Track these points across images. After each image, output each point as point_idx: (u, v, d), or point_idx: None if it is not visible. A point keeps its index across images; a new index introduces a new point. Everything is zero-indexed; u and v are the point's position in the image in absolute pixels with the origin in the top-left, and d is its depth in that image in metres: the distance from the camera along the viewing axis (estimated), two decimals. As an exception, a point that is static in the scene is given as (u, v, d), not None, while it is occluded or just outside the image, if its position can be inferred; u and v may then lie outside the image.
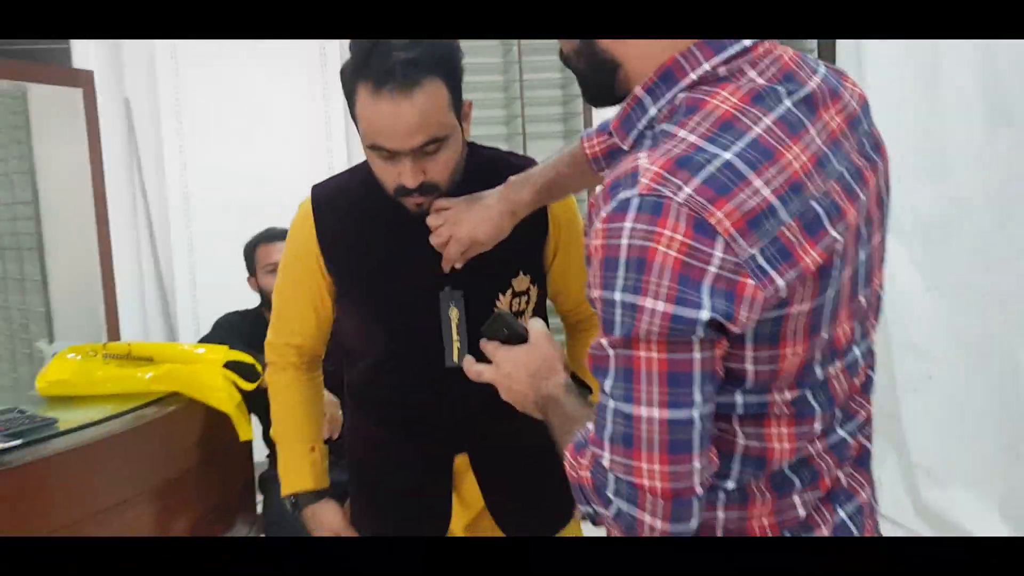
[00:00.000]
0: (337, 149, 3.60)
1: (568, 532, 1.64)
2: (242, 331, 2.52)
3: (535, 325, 1.17)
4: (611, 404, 0.89)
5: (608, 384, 0.89)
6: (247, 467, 2.54)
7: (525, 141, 3.68)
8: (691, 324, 0.83)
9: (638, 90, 0.96)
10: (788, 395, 0.93)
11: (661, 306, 0.83)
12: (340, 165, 3.61)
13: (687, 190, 0.84)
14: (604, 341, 0.89)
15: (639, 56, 0.96)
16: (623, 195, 0.86)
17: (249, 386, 2.22)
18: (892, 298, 3.35)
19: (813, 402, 0.94)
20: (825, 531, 0.97)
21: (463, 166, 1.41)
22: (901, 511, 3.43)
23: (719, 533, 0.96)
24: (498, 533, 1.52)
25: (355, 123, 1.36)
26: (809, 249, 0.87)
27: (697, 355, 0.85)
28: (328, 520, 1.58)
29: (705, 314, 0.83)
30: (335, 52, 3.57)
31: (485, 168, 1.46)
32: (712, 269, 0.83)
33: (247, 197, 3.52)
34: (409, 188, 1.33)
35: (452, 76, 1.31)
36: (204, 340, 2.57)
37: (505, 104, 3.88)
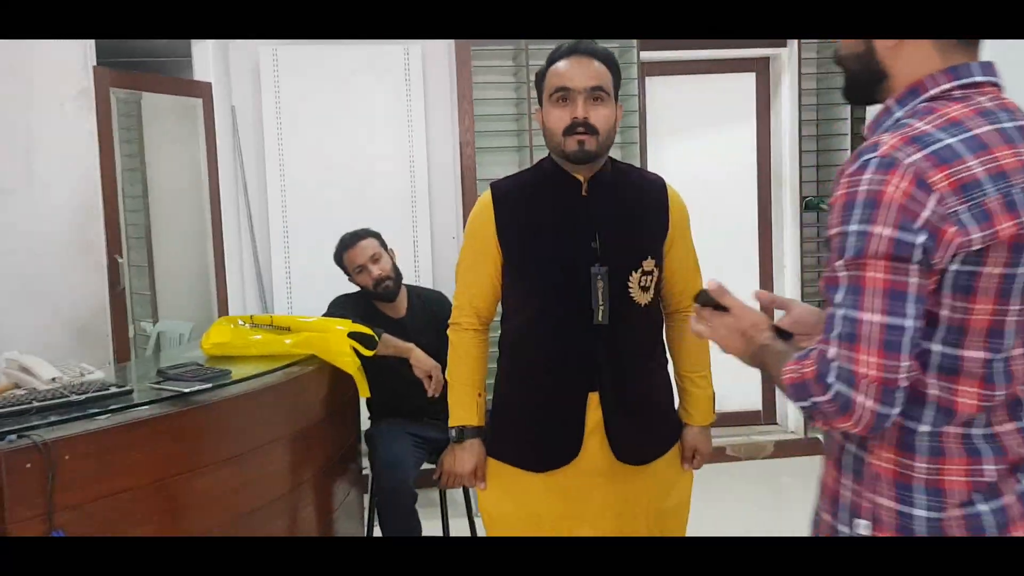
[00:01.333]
0: (418, 149, 4.03)
1: (669, 457, 2.06)
2: (354, 309, 2.95)
3: (735, 300, 1.37)
4: (840, 311, 1.12)
5: (839, 296, 1.12)
6: (357, 422, 2.99)
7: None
8: (909, 247, 1.07)
9: (890, 101, 1.22)
10: (976, 354, 1.13)
11: (887, 231, 1.08)
12: (421, 163, 4.04)
13: (915, 156, 1.09)
14: (837, 263, 1.13)
15: (904, 71, 1.21)
16: (865, 157, 1.12)
17: (368, 352, 2.66)
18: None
19: (998, 369, 1.14)
20: (1011, 499, 1.16)
21: (612, 141, 1.93)
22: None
23: (917, 483, 1.16)
24: (611, 458, 1.95)
25: (540, 99, 1.93)
26: (1005, 221, 1.08)
27: (913, 279, 1.08)
28: (477, 452, 2.00)
29: (920, 239, 1.07)
30: (418, 59, 4.00)
31: (623, 169, 2.03)
32: (925, 214, 1.07)
33: (337, 192, 3.98)
34: (579, 119, 1.83)
35: (614, 70, 1.92)
36: (324, 316, 3.00)
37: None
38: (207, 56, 3.80)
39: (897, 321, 1.08)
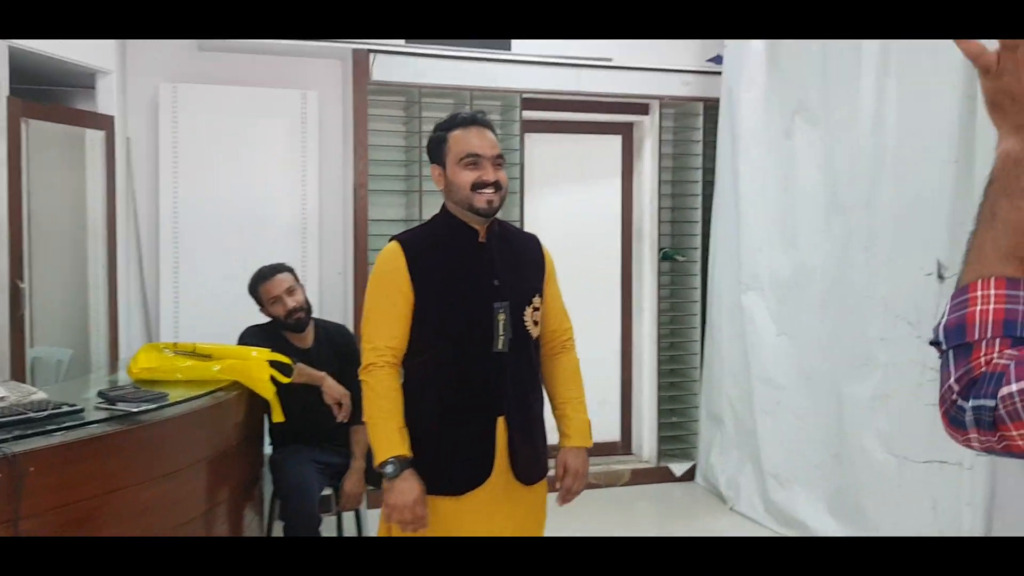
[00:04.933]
0: (311, 189, 4.23)
1: (541, 485, 2.35)
2: (265, 339, 3.13)
3: None
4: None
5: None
6: (263, 447, 3.15)
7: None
8: None
9: None
10: None
11: None
12: (313, 202, 4.24)
13: None
14: None
15: None
16: None
17: (285, 380, 2.85)
18: (752, 340, 4.28)
19: None
20: None
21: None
22: (754, 509, 4.32)
23: None
24: (512, 478, 2.22)
25: (441, 159, 2.21)
26: None
27: None
28: (415, 482, 2.13)
29: None
30: (315, 104, 4.22)
31: (503, 223, 2.35)
32: None
33: (229, 227, 4.11)
34: (489, 181, 2.14)
35: (495, 133, 2.27)
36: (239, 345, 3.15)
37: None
38: (111, 88, 3.88)
39: None
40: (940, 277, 3.30)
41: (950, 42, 2.78)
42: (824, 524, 3.88)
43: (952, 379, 0.83)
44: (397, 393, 2.21)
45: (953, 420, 0.83)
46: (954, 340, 0.84)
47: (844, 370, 3.77)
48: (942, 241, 3.26)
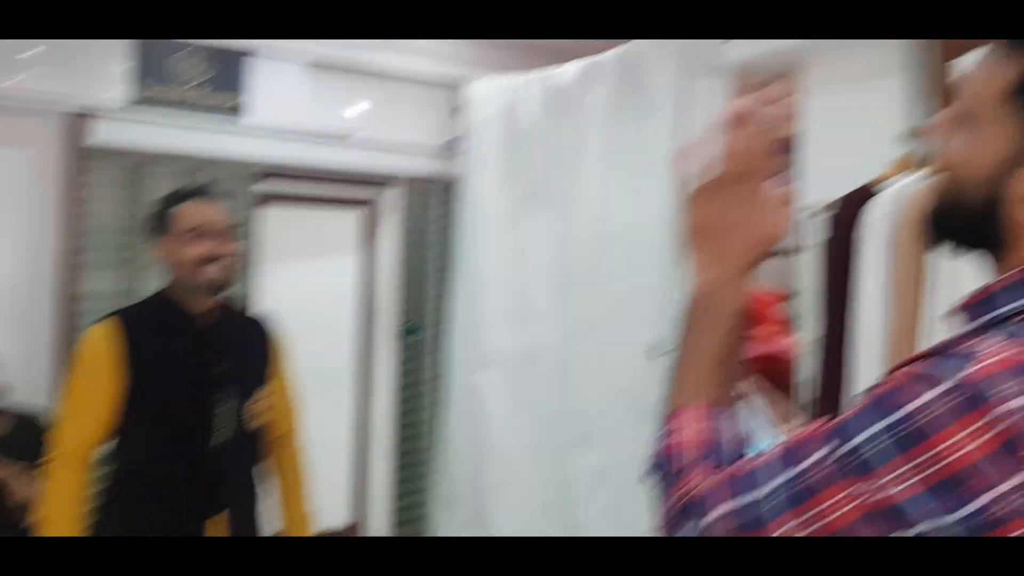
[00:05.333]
0: (11, 258, 3.84)
1: None
2: None
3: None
4: (763, 494, 0.79)
5: (780, 479, 0.79)
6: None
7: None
8: (901, 525, 0.74)
9: (995, 285, 0.83)
10: None
11: (894, 491, 0.73)
12: (14, 273, 3.84)
13: (1014, 404, 0.70)
14: (819, 452, 0.78)
15: None
16: (944, 368, 0.74)
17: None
18: (486, 417, 4.35)
19: None
20: None
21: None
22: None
23: None
24: None
25: (164, 232, 2.10)
26: None
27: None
28: None
29: (920, 528, 0.72)
30: (16, 167, 3.86)
31: (231, 305, 2.19)
32: (987, 496, 0.70)
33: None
34: (217, 255, 2.05)
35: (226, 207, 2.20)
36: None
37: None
38: None
39: None
40: (656, 356, 3.54)
41: (664, 137, 3.03)
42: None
43: (664, 510, 0.85)
44: (77, 492, 2.02)
45: (671, 524, 0.84)
46: (660, 471, 0.87)
47: (571, 445, 3.92)
48: (656, 324, 3.50)
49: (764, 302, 4.63)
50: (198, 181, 4.10)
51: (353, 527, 4.92)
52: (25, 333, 3.90)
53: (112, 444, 2.07)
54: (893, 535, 0.75)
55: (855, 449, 0.75)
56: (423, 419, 4.96)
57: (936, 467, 0.71)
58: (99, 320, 2.07)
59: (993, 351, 0.74)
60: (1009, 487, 0.70)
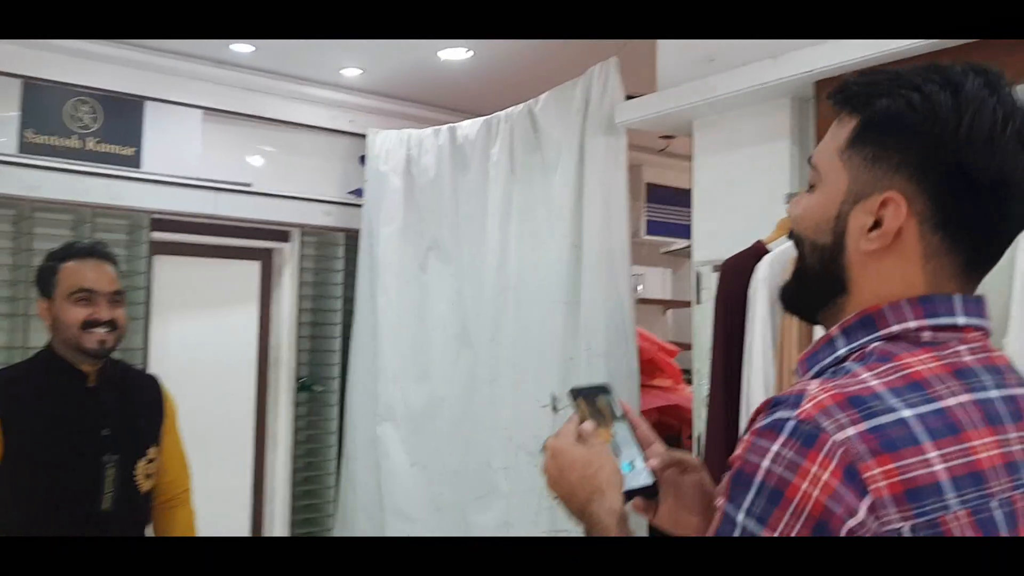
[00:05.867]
0: None
1: None
2: None
3: (596, 441, 1.07)
4: None
5: None
6: None
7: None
8: None
9: (835, 330, 0.90)
10: None
11: None
12: None
13: (849, 431, 0.76)
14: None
15: (869, 289, 0.89)
16: (780, 414, 0.80)
17: None
18: (386, 471, 4.31)
19: None
20: None
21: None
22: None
23: None
24: None
25: (49, 292, 2.02)
26: None
27: None
28: None
29: None
30: None
31: (119, 364, 2.11)
32: (849, 524, 0.75)
33: None
34: (103, 320, 1.95)
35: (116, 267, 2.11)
36: None
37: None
38: None
39: None
40: (554, 409, 3.58)
41: (561, 195, 3.09)
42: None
43: None
44: None
45: None
46: None
47: (471, 500, 3.91)
48: (555, 376, 3.55)
49: (662, 353, 4.75)
50: (89, 234, 4.00)
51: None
52: None
53: None
54: None
55: (742, 528, 0.80)
56: (323, 472, 4.87)
57: (807, 506, 0.76)
58: None
59: (821, 388, 0.81)
60: (863, 513, 0.75)
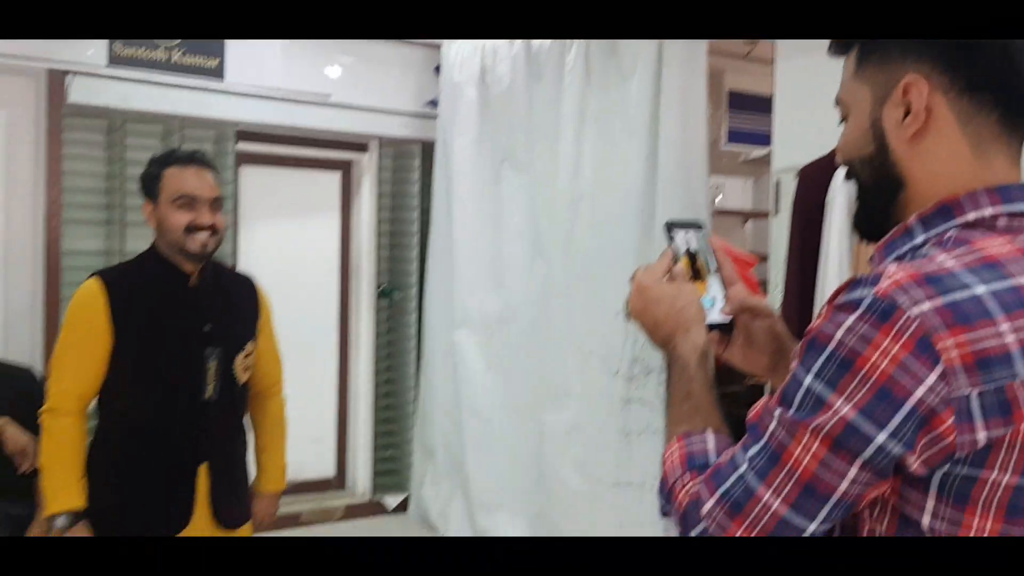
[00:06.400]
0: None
1: (245, 528, 2.33)
2: None
3: (685, 287, 1.12)
4: (743, 468, 0.88)
5: (753, 450, 0.88)
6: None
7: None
8: (865, 442, 0.81)
9: (912, 219, 0.92)
10: None
11: (846, 410, 0.82)
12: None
13: (925, 306, 0.80)
14: (777, 411, 0.88)
15: (927, 175, 0.92)
16: (860, 292, 0.84)
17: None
18: (462, 375, 4.46)
19: None
20: None
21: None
22: (463, 535, 4.48)
23: None
24: (214, 525, 2.17)
25: (154, 196, 2.13)
26: None
27: (851, 474, 0.83)
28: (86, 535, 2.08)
29: (883, 437, 0.81)
30: (2, 125, 3.88)
31: (218, 265, 2.27)
32: (917, 394, 0.79)
33: None
34: (204, 225, 2.07)
35: (216, 176, 2.21)
36: None
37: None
38: None
39: (800, 521, 0.85)
40: (627, 317, 3.64)
41: (638, 104, 3.08)
42: (527, 548, 4.11)
43: (676, 521, 0.95)
44: (78, 441, 2.11)
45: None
46: (663, 495, 0.99)
47: (544, 402, 4.04)
48: (627, 285, 3.59)
49: (741, 264, 4.73)
50: (178, 144, 4.14)
51: (333, 480, 5.04)
52: (9, 291, 3.95)
53: (104, 395, 2.15)
54: (848, 470, 0.83)
55: (808, 389, 0.85)
56: (403, 375, 5.06)
57: (874, 375, 0.81)
58: (90, 276, 2.12)
59: (899, 268, 0.85)
60: (933, 380, 0.79)
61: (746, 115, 5.63)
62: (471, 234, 4.47)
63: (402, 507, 4.97)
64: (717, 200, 5.78)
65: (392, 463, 5.06)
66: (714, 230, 3.50)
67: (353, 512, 4.85)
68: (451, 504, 4.59)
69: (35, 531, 2.93)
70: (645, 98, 3.56)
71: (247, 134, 4.46)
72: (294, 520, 4.63)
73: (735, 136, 5.67)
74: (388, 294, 4.98)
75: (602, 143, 3.80)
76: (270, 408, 2.39)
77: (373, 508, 4.90)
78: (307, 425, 4.90)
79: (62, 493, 2.08)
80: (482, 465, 4.39)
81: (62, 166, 4.01)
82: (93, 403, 2.20)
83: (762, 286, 4.58)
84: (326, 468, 5.03)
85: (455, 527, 4.53)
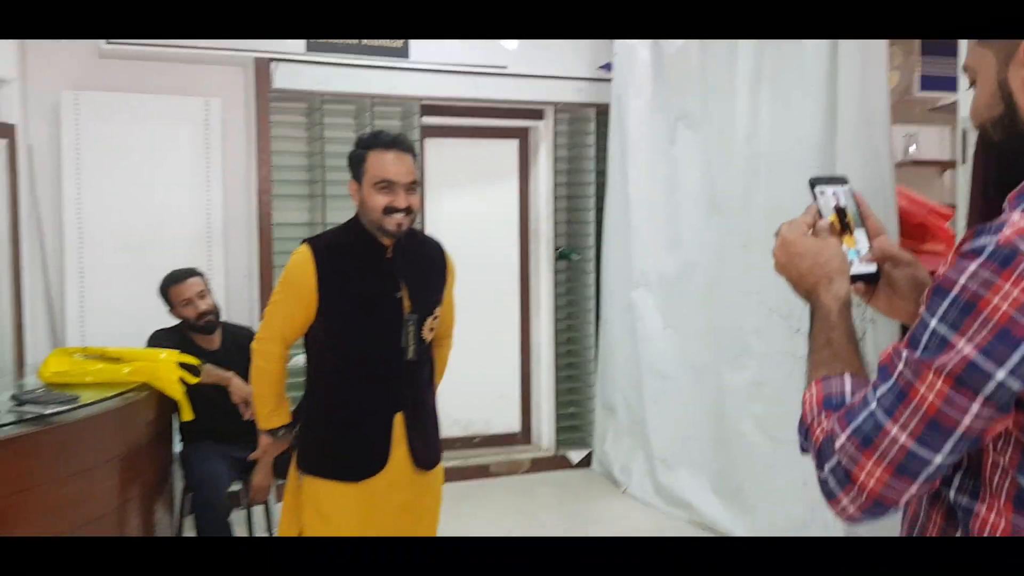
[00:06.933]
0: (215, 194, 4.32)
1: (437, 470, 2.55)
2: (173, 341, 3.23)
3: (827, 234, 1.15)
4: (873, 406, 0.93)
5: (882, 389, 0.93)
6: (172, 445, 3.26)
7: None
8: (985, 377, 0.86)
9: None
10: None
11: (968, 349, 0.87)
12: (217, 207, 4.32)
13: None
14: (904, 352, 0.93)
15: None
16: (983, 239, 0.88)
17: (194, 380, 2.97)
18: (641, 334, 4.55)
19: None
20: None
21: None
22: (645, 492, 4.60)
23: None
24: (410, 465, 2.42)
25: (358, 176, 2.33)
26: None
27: (974, 409, 0.88)
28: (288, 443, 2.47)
29: (1002, 374, 0.86)
30: (217, 111, 4.31)
31: (411, 234, 2.46)
32: None
33: (134, 232, 4.17)
34: (400, 208, 2.27)
35: (415, 159, 2.38)
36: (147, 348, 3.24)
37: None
38: (11, 97, 3.90)
39: (926, 454, 0.91)
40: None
41: (814, 58, 3.03)
42: (708, 503, 4.18)
43: (813, 456, 1.01)
44: (281, 369, 2.44)
45: (828, 495, 0.97)
46: (802, 433, 1.05)
47: (724, 360, 4.07)
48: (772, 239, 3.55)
49: (933, 216, 4.53)
50: (369, 122, 4.46)
51: (519, 435, 5.29)
52: (230, 261, 4.41)
53: (310, 351, 2.42)
54: (970, 406, 0.88)
55: (933, 332, 0.91)
56: (583, 334, 5.22)
57: (995, 317, 0.86)
58: (302, 243, 2.39)
59: (1021, 216, 0.89)
60: None
61: (940, 60, 5.33)
62: (647, 194, 4.54)
63: (585, 462, 5.16)
64: (911, 150, 5.52)
65: (575, 419, 5.25)
66: (907, 182, 3.39)
67: (539, 465, 5.08)
68: (632, 461, 4.72)
69: (260, 473, 3.32)
70: (822, 52, 3.49)
71: (430, 108, 4.72)
72: (483, 471, 4.91)
73: (928, 83, 5.38)
74: (566, 256, 5.14)
75: (778, 100, 3.76)
76: (438, 354, 2.61)
77: (558, 462, 5.12)
78: (493, 382, 5.19)
79: (276, 415, 2.44)
80: (662, 422, 4.49)
81: (270, 146, 4.41)
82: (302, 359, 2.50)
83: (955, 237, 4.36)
84: (512, 423, 5.28)
85: (637, 483, 4.66)
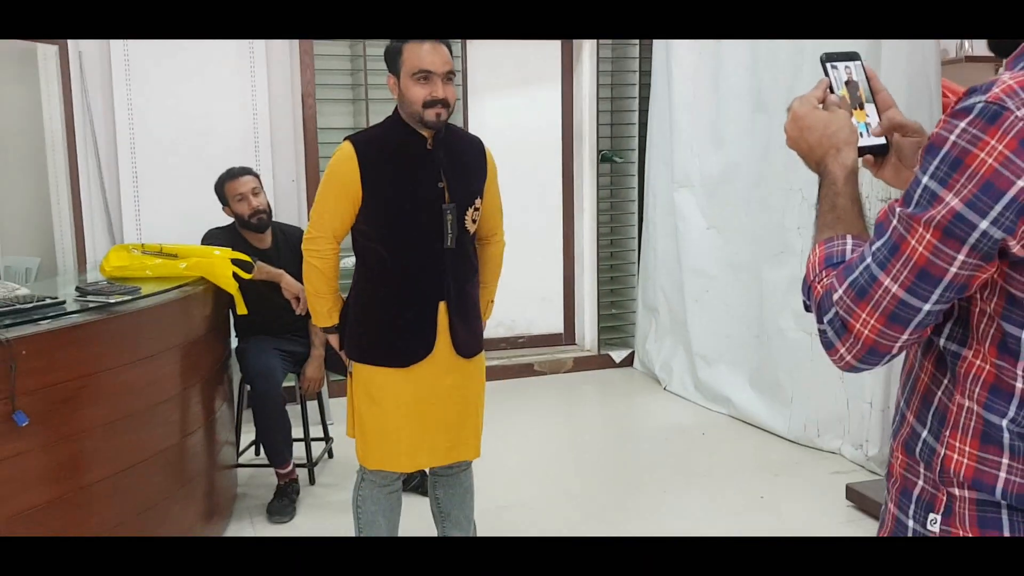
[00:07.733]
0: (260, 99, 4.39)
1: (479, 357, 2.65)
2: (227, 239, 3.35)
3: (839, 112, 1.17)
4: (868, 260, 0.99)
5: (877, 244, 0.99)
6: (229, 338, 3.41)
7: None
8: (970, 228, 0.91)
9: None
10: None
11: (954, 202, 0.91)
12: (263, 112, 4.40)
13: None
14: (898, 209, 0.98)
15: None
16: (973, 99, 0.92)
17: (247, 276, 3.10)
18: (683, 234, 4.58)
19: None
20: None
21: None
22: (685, 388, 4.71)
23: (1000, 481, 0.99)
24: (452, 351, 2.52)
25: (396, 70, 2.36)
26: None
27: (959, 258, 0.93)
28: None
29: (985, 224, 0.90)
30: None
31: (451, 128, 2.51)
32: (1019, 184, 0.89)
33: (184, 136, 4.28)
34: (438, 98, 2.32)
35: (449, 48, 2.40)
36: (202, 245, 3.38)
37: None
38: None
39: (916, 302, 0.97)
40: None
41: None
42: (746, 398, 4.27)
43: (814, 310, 1.06)
44: (333, 264, 2.50)
45: (827, 345, 1.03)
46: (805, 289, 1.11)
47: (765, 258, 4.10)
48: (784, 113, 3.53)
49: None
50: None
51: (563, 335, 5.40)
52: (277, 165, 4.51)
53: (358, 244, 2.51)
54: (956, 256, 0.93)
55: (924, 188, 0.95)
56: (625, 236, 5.27)
57: (981, 171, 0.90)
58: (344, 139, 2.45)
59: (1011, 76, 0.92)
60: None
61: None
62: (691, 94, 4.51)
63: (628, 361, 5.26)
64: (967, 46, 5.37)
65: (617, 320, 5.34)
66: (961, 80, 3.33)
67: (582, 364, 5.20)
68: (673, 358, 4.81)
69: (312, 365, 3.47)
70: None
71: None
72: (528, 370, 5.05)
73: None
74: (609, 159, 5.15)
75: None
76: (490, 252, 2.67)
77: (601, 361, 5.23)
78: (536, 283, 5.28)
79: (333, 312, 2.54)
80: (703, 321, 4.55)
81: (313, 49, 4.45)
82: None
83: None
84: (555, 324, 5.39)
85: (677, 381, 4.76)
